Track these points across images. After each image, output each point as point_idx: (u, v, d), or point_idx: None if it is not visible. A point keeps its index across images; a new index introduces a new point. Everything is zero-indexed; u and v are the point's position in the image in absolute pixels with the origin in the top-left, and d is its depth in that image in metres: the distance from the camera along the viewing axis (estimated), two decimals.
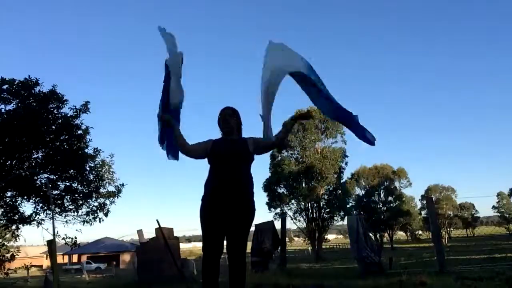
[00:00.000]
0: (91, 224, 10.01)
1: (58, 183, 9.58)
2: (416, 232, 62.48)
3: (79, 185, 9.80)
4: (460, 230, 75.33)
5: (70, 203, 9.82)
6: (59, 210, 9.58)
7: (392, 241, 52.15)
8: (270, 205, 32.06)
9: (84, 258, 44.78)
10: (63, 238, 9.91)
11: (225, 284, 2.88)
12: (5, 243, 10.83)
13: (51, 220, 7.95)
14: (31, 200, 9.52)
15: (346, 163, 33.39)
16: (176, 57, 3.07)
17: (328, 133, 32.37)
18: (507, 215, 66.73)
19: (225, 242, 2.87)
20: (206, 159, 3.01)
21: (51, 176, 9.40)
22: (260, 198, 32.25)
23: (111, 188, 10.40)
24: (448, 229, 63.52)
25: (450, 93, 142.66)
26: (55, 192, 9.53)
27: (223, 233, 2.83)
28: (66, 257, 45.98)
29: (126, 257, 44.68)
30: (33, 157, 9.37)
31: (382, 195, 49.82)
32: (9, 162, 9.04)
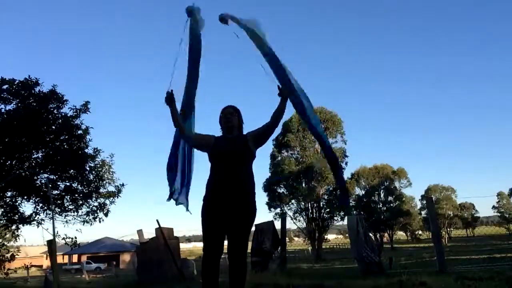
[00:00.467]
0: (91, 224, 10.02)
1: (58, 183, 9.59)
2: (416, 232, 62.42)
3: (79, 185, 9.80)
4: (460, 230, 75.30)
5: (70, 203, 9.82)
6: (59, 210, 9.58)
7: (392, 241, 52.13)
8: (270, 205, 32.07)
9: (84, 258, 44.76)
10: (63, 238, 9.92)
11: (225, 284, 2.87)
12: (5, 243, 10.84)
13: (51, 220, 7.97)
14: (31, 200, 9.53)
15: (346, 163, 33.41)
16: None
17: (328, 133, 32.35)
18: (507, 215, 66.71)
19: (225, 242, 2.86)
20: (207, 157, 2.99)
21: (51, 176, 9.40)
22: (260, 198, 32.24)
23: (111, 188, 10.42)
24: (448, 229, 63.49)
25: (450, 93, 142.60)
26: (55, 192, 9.53)
27: (224, 233, 2.82)
28: (66, 257, 45.96)
29: (126, 257, 44.67)
30: (33, 157, 9.38)
31: (382, 195, 49.80)
32: (9, 162, 9.04)
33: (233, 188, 2.80)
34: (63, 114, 9.48)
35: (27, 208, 10.23)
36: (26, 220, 9.52)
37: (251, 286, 4.58)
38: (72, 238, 10.05)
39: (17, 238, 10.27)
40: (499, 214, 69.04)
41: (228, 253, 2.85)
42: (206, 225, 2.81)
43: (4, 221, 9.53)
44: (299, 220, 32.93)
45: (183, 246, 41.50)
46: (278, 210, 31.92)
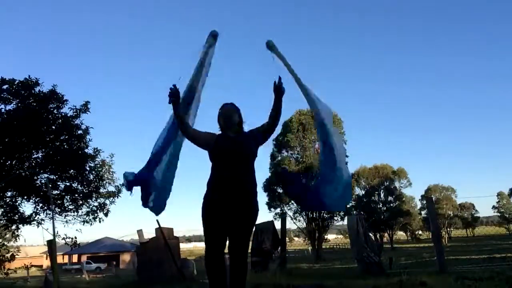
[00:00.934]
0: (91, 224, 10.02)
1: (58, 183, 9.59)
2: (416, 232, 62.44)
3: (79, 185, 9.80)
4: (460, 230, 75.25)
5: (70, 203, 9.82)
6: (59, 210, 9.58)
7: (392, 241, 52.09)
8: (270, 205, 32.04)
9: (84, 258, 44.74)
10: (63, 238, 9.92)
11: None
12: (5, 243, 10.83)
13: (51, 220, 7.96)
14: (31, 200, 9.53)
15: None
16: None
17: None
18: (507, 215, 66.72)
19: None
20: (208, 156, 2.92)
21: (51, 176, 9.40)
22: (260, 198, 32.12)
23: (111, 188, 10.43)
24: (448, 229, 63.45)
25: (450, 93, 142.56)
26: (55, 192, 9.53)
27: (225, 233, 2.78)
28: (66, 257, 45.97)
29: (126, 257, 44.69)
30: (33, 157, 9.37)
31: (382, 195, 49.78)
32: (9, 162, 9.04)
33: (235, 187, 2.76)
34: (63, 114, 9.48)
35: (27, 208, 10.26)
36: (26, 220, 9.51)
37: (251, 286, 4.57)
38: (72, 238, 10.06)
39: (17, 238, 10.26)
40: (499, 214, 69.05)
41: (229, 253, 2.82)
42: (208, 225, 2.78)
43: (4, 221, 9.53)
44: (299, 220, 32.92)
45: (183, 246, 41.50)
46: (278, 210, 31.90)
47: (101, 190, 10.18)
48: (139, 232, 8.77)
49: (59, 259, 35.51)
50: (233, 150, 2.82)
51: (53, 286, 5.62)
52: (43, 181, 9.41)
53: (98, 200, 10.14)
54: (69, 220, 9.85)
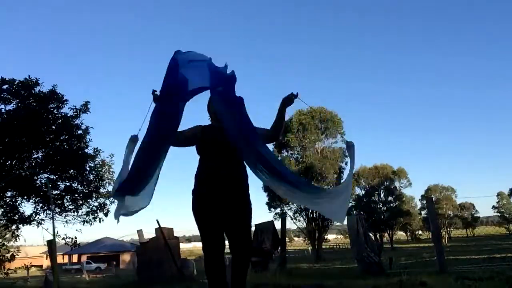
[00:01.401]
0: (91, 224, 10.02)
1: (58, 183, 9.58)
2: (416, 232, 62.46)
3: (79, 185, 9.80)
4: (460, 230, 75.27)
5: (70, 203, 9.82)
6: (59, 210, 9.58)
7: (392, 241, 52.11)
8: (270, 205, 32.04)
9: (84, 258, 44.75)
10: (63, 238, 9.92)
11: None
12: (5, 243, 10.83)
13: (51, 220, 7.96)
14: (31, 200, 9.52)
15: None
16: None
17: (328, 133, 32.37)
18: (507, 215, 66.67)
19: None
20: (195, 149, 2.78)
21: (51, 176, 9.40)
22: (260, 198, 32.26)
23: (111, 188, 10.42)
24: (448, 229, 63.45)
25: (450, 93, 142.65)
26: (55, 192, 9.53)
27: (221, 229, 2.62)
28: (66, 257, 45.97)
29: (126, 257, 44.68)
30: (33, 157, 9.37)
31: (382, 195, 49.78)
32: (9, 162, 9.04)
33: (224, 181, 2.61)
34: (63, 114, 9.48)
35: (27, 208, 10.27)
36: (26, 220, 9.51)
37: (251, 286, 4.57)
38: (72, 238, 10.05)
39: (17, 238, 10.26)
40: (499, 214, 69.01)
41: (231, 252, 2.66)
42: (200, 221, 2.62)
43: (4, 221, 9.53)
44: (299, 220, 32.91)
45: (183, 246, 41.48)
46: (278, 210, 31.90)
47: (101, 190, 10.17)
48: (139, 232, 8.77)
49: (59, 259, 35.53)
50: (221, 141, 2.65)
51: (53, 286, 5.62)
52: (43, 181, 9.41)
53: (98, 200, 10.14)
54: (69, 220, 9.85)
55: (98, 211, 10.06)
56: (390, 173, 49.91)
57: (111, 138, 56.12)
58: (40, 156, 9.40)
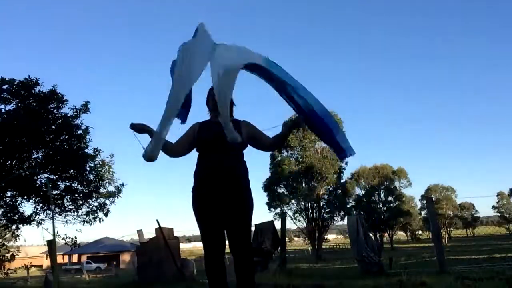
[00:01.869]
0: (91, 224, 10.04)
1: (58, 183, 9.59)
2: (416, 232, 62.51)
3: (79, 185, 9.81)
4: (460, 230, 75.34)
5: (70, 203, 9.84)
6: (59, 210, 9.59)
7: (392, 241, 52.15)
8: (270, 205, 32.06)
9: (84, 258, 44.80)
10: (63, 238, 9.93)
11: (232, 284, 2.69)
12: (5, 243, 10.85)
13: (51, 220, 7.98)
14: (31, 200, 9.54)
15: (346, 163, 33.37)
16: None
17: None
18: (507, 215, 66.73)
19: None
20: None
21: (51, 176, 9.41)
22: (260, 198, 32.27)
23: (111, 188, 10.44)
24: (448, 229, 63.51)
25: (450, 93, 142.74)
26: (55, 192, 9.54)
27: (221, 227, 2.58)
28: (66, 257, 46.01)
29: (126, 257, 44.70)
30: (33, 157, 9.38)
31: (382, 195, 49.80)
32: (9, 162, 9.05)
33: (223, 178, 2.56)
34: (63, 114, 9.49)
35: (27, 208, 10.26)
36: (26, 220, 9.52)
37: None
38: (72, 238, 10.07)
39: (17, 238, 10.28)
40: (499, 214, 69.06)
41: (231, 251, 2.62)
42: (200, 221, 2.60)
43: (4, 221, 9.54)
44: (299, 220, 32.93)
45: (183, 246, 41.45)
46: (278, 210, 31.91)
47: (101, 190, 10.19)
48: (139, 232, 8.79)
49: (59, 259, 35.52)
50: (219, 137, 2.55)
51: (53, 286, 5.62)
52: (43, 181, 9.42)
53: (98, 200, 10.16)
54: (69, 220, 9.87)
55: (98, 211, 10.08)
56: (390, 173, 49.93)
57: (111, 138, 56.22)
58: (40, 156, 9.41)
